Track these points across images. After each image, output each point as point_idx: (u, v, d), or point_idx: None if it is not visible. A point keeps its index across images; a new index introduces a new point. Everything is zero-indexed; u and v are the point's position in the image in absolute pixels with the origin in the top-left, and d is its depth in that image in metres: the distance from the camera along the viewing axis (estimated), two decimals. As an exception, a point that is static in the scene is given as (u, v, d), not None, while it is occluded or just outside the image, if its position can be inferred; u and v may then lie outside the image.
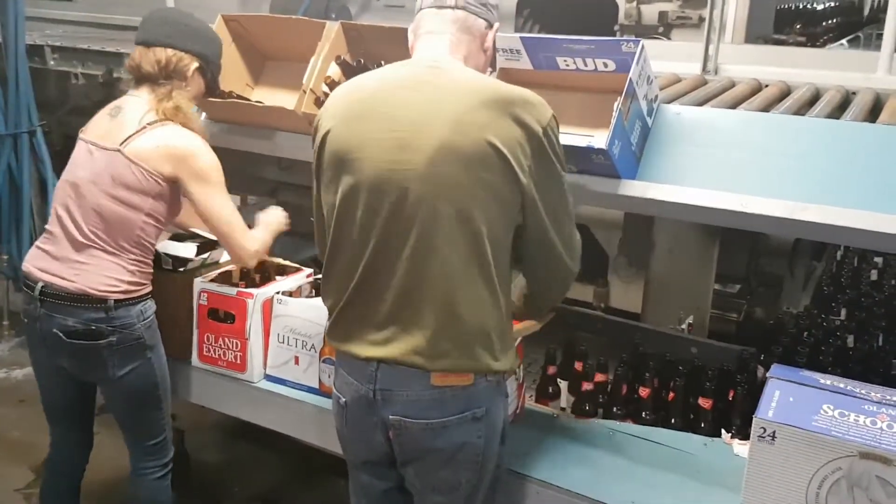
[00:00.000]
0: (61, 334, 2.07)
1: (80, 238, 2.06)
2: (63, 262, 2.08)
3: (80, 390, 2.24)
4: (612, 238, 3.45)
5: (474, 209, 1.51)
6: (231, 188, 3.12)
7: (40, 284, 2.08)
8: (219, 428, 3.34)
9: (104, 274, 2.06)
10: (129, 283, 2.09)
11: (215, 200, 2.12)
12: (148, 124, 2.07)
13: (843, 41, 3.94)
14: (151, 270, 2.16)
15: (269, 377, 2.25)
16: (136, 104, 2.12)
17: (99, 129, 2.13)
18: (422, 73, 1.58)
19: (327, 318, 1.71)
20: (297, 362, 2.19)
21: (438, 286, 1.53)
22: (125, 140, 2.06)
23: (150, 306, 2.16)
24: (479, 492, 1.66)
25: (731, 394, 2.10)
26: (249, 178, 3.29)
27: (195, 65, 2.17)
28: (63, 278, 2.06)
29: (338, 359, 1.71)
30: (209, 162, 2.11)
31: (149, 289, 2.16)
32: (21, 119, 3.77)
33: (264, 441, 3.13)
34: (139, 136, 2.06)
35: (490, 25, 1.69)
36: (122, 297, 2.07)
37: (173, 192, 2.11)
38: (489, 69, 1.77)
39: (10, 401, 3.60)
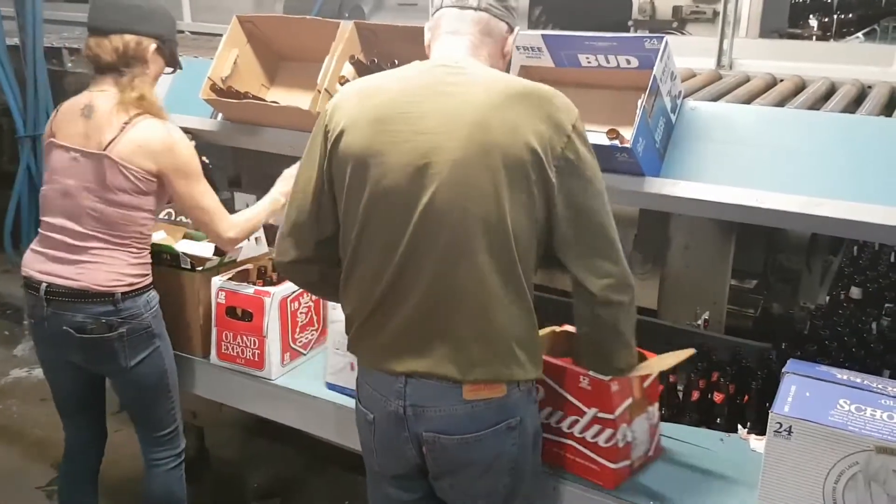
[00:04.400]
0: (72, 331, 2.09)
1: (78, 242, 2.08)
2: (64, 263, 2.09)
3: (90, 384, 2.28)
4: (626, 234, 3.44)
5: (503, 213, 1.45)
6: (247, 188, 3.16)
7: (44, 285, 2.09)
8: (238, 425, 3.37)
9: (108, 269, 2.08)
10: (134, 275, 2.12)
11: (195, 191, 2.14)
12: (125, 123, 2.06)
13: (859, 34, 3.91)
14: (150, 261, 2.19)
15: (329, 385, 2.22)
16: (105, 101, 2.10)
17: (74, 131, 2.10)
18: (444, 74, 1.52)
19: (346, 328, 1.67)
20: (352, 368, 2.14)
21: (470, 293, 1.48)
22: (109, 143, 2.05)
23: (155, 295, 2.19)
24: (516, 496, 1.62)
25: (748, 389, 2.10)
26: (265, 177, 3.30)
27: (153, 46, 2.14)
28: (66, 277, 2.08)
29: (361, 373, 1.67)
30: (187, 154, 2.13)
31: (151, 279, 2.19)
32: (40, 121, 3.81)
33: (282, 437, 3.16)
34: (121, 137, 2.05)
35: (511, 29, 1.64)
36: (127, 289, 2.10)
37: (161, 184, 2.13)
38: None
39: (32, 399, 3.65)
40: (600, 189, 1.53)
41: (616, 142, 1.84)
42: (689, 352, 1.78)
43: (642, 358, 1.80)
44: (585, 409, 1.76)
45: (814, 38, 3.94)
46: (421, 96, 1.50)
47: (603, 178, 1.54)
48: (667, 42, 1.87)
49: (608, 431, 1.74)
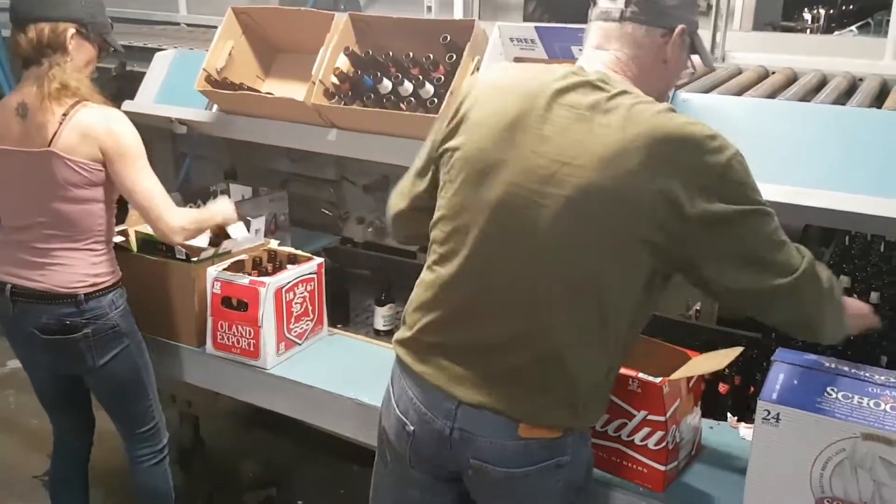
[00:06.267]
0: (37, 332, 2.08)
1: (39, 244, 2.06)
2: (27, 266, 2.07)
3: (67, 380, 2.27)
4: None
5: (606, 265, 1.35)
6: (242, 180, 3.17)
7: (9, 286, 2.08)
8: (233, 414, 3.39)
9: (70, 271, 2.06)
10: (96, 275, 2.09)
11: (133, 175, 2.04)
12: (63, 115, 2.00)
13: (853, 27, 3.92)
14: (114, 258, 2.16)
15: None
16: (35, 97, 2.02)
17: (12, 133, 2.04)
18: (588, 92, 1.38)
19: (406, 316, 1.58)
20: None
21: (549, 341, 1.40)
22: (52, 138, 1.99)
23: (122, 294, 2.17)
24: None
25: (738, 379, 2.12)
26: (261, 169, 3.32)
27: (71, 31, 2.04)
28: (30, 279, 2.06)
29: (403, 374, 1.57)
30: (128, 136, 2.04)
31: (118, 276, 2.16)
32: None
33: (278, 427, 3.17)
34: (62, 130, 1.99)
35: (670, 31, 1.44)
36: (90, 289, 2.08)
37: (109, 172, 2.07)
38: (689, 70, 1.56)
39: (29, 389, 3.60)
40: (752, 242, 1.34)
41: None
42: (736, 351, 1.74)
43: (686, 358, 1.81)
44: (634, 411, 1.73)
45: (808, 31, 3.96)
46: (553, 112, 1.38)
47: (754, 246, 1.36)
48: (659, 34, 1.88)
49: (659, 434, 1.72)
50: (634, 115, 1.34)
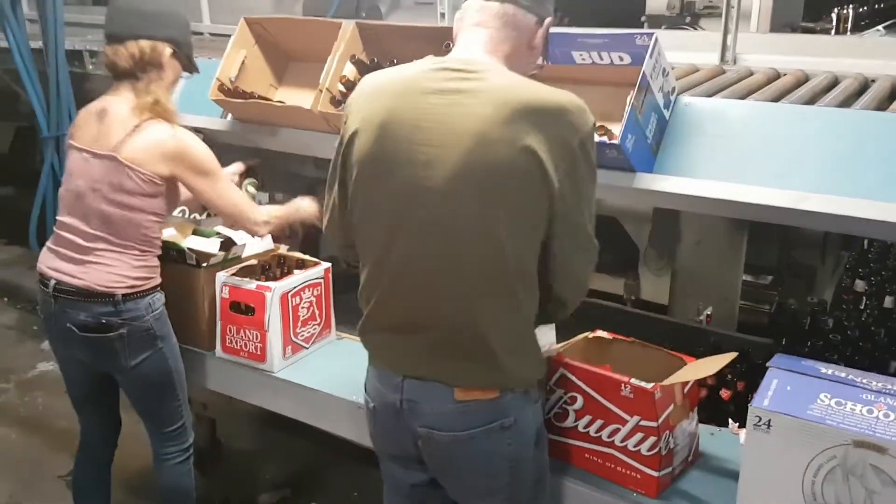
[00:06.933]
0: (74, 328, 2.15)
1: (85, 242, 2.13)
2: (72, 262, 2.14)
3: (99, 378, 2.33)
4: (641, 231, 3.44)
5: (496, 227, 1.45)
6: (270, 186, 3.22)
7: (52, 282, 2.16)
8: (249, 416, 3.43)
9: (110, 271, 2.12)
10: (136, 277, 2.15)
11: (217, 188, 2.18)
12: (135, 126, 2.09)
13: (880, 27, 3.84)
14: (158, 264, 2.23)
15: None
16: (119, 104, 2.14)
17: (88, 134, 2.16)
18: (452, 77, 1.48)
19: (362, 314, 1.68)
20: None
21: (458, 306, 1.50)
22: (118, 144, 2.08)
23: (159, 298, 2.23)
24: (519, 496, 1.64)
25: (741, 385, 2.10)
26: (287, 175, 3.37)
27: (169, 51, 2.16)
28: (72, 276, 2.13)
29: (369, 361, 1.70)
30: (202, 154, 2.15)
31: (157, 282, 2.22)
32: (63, 122, 3.91)
33: (293, 429, 3.19)
34: (130, 139, 2.08)
35: (541, 21, 1.58)
36: (129, 291, 2.14)
37: (171, 187, 2.16)
38: (540, 62, 1.65)
39: (57, 391, 3.74)
40: (580, 221, 1.52)
41: (605, 138, 1.85)
42: (730, 356, 1.75)
43: (682, 363, 1.81)
44: (627, 417, 1.74)
45: (832, 31, 3.88)
46: (423, 102, 1.48)
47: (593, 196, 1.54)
48: (656, 39, 1.88)
49: (651, 439, 1.73)
50: (495, 88, 1.46)
